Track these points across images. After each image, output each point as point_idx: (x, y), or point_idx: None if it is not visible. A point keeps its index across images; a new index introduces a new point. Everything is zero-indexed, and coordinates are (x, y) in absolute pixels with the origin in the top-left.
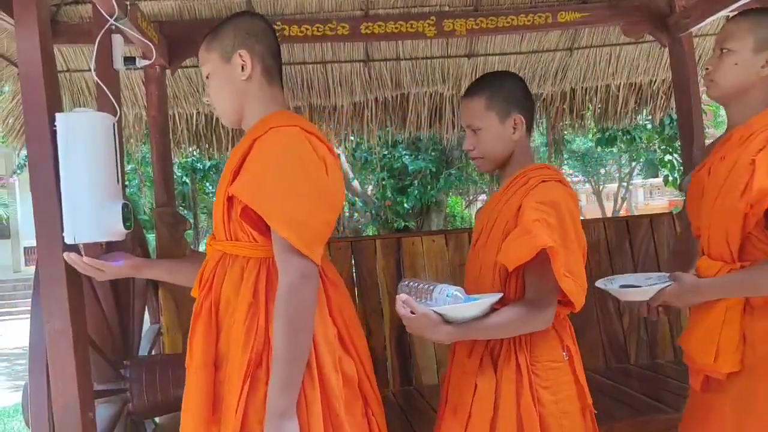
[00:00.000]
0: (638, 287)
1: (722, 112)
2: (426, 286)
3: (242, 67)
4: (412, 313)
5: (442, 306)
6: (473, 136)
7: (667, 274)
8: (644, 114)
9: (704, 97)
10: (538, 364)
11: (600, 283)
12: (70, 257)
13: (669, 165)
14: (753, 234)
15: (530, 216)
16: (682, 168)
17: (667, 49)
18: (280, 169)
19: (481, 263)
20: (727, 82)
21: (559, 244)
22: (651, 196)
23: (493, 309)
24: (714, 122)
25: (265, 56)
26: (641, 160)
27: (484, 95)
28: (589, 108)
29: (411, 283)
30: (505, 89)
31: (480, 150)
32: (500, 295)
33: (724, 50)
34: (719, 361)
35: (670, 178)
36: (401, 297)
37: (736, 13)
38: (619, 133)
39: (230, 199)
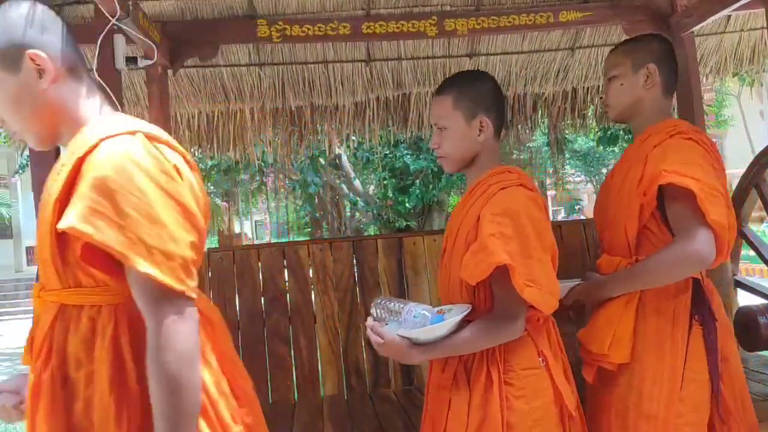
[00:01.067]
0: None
1: (724, 111)
2: (396, 305)
3: (39, 72)
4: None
5: (409, 330)
6: (439, 134)
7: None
8: None
9: (706, 96)
10: (512, 372)
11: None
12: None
13: None
14: (648, 228)
15: (486, 230)
16: None
17: None
18: (124, 190)
19: (450, 273)
20: (619, 103)
21: (517, 254)
22: None
23: (466, 321)
24: (716, 122)
25: (65, 53)
26: None
27: (451, 94)
28: (590, 107)
29: (383, 302)
30: (473, 90)
31: (444, 149)
32: (469, 308)
33: (610, 78)
34: (612, 351)
35: None
36: (368, 323)
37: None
38: (621, 132)
39: (61, 237)
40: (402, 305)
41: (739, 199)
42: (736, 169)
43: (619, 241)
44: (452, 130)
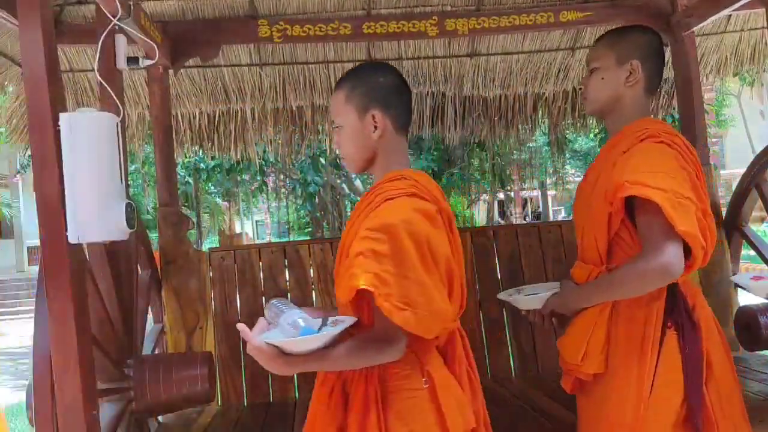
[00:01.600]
0: (537, 295)
1: (724, 111)
2: (280, 310)
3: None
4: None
5: (277, 338)
6: (337, 132)
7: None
8: None
9: (707, 96)
10: (390, 394)
11: (502, 295)
12: None
13: None
14: (619, 236)
15: (355, 248)
16: None
17: (669, 48)
18: None
19: (338, 285)
20: (598, 97)
21: (392, 274)
22: None
23: (350, 334)
24: (716, 122)
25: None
26: None
27: (345, 88)
28: None
29: (276, 304)
30: (368, 82)
31: (342, 148)
32: (352, 320)
33: (592, 69)
34: (586, 362)
35: None
36: (238, 325)
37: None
38: None
39: None
40: (285, 310)
41: (739, 199)
42: (736, 169)
43: (590, 249)
44: (345, 127)
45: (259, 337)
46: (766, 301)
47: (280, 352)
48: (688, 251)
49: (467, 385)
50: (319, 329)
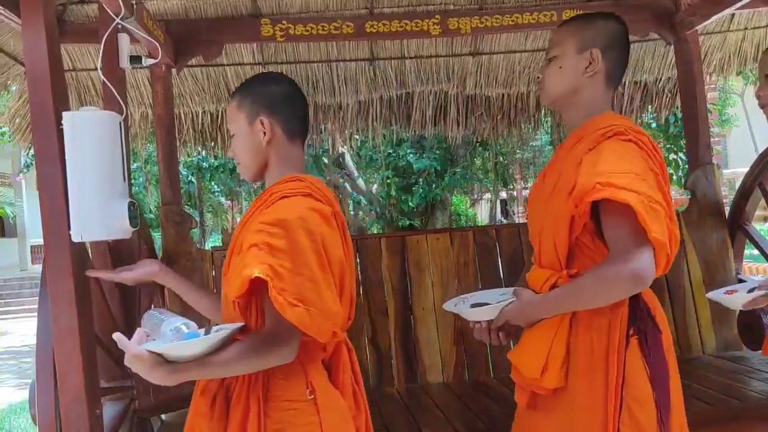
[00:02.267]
0: (488, 305)
1: (728, 110)
2: (160, 319)
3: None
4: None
5: (158, 345)
6: (232, 140)
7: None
8: (649, 112)
9: (710, 95)
10: (272, 403)
11: (448, 305)
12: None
13: (674, 163)
14: (581, 240)
15: (250, 240)
16: (687, 166)
17: (672, 47)
18: None
19: (227, 281)
20: (556, 87)
21: (288, 270)
22: None
23: (237, 340)
24: (719, 121)
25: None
26: None
27: (237, 96)
28: None
29: (153, 312)
30: (258, 90)
31: (235, 157)
32: (238, 325)
33: (550, 58)
34: (545, 376)
35: (675, 177)
36: (114, 335)
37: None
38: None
39: None
40: (164, 318)
41: (742, 198)
42: (739, 168)
43: (549, 254)
44: (237, 135)
45: (139, 346)
46: None
47: (161, 360)
48: None
49: (351, 399)
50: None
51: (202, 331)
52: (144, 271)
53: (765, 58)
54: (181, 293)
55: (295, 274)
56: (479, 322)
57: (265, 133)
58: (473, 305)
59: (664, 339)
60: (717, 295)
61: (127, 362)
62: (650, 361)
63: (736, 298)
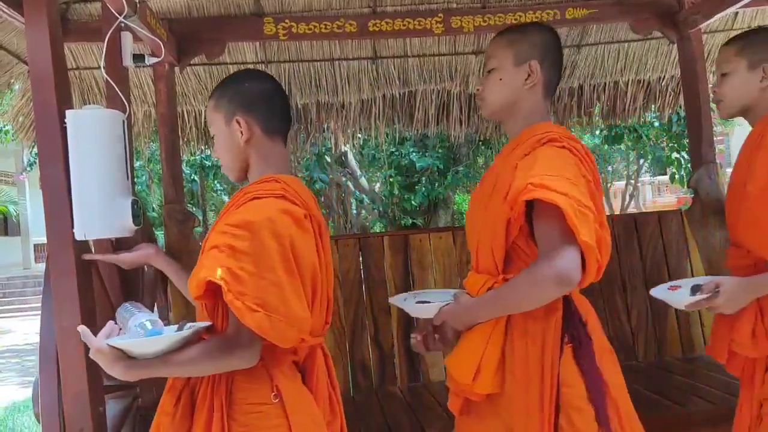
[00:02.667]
0: (431, 304)
1: None
2: (131, 312)
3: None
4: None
5: (121, 340)
6: (213, 142)
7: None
8: (652, 111)
9: (713, 94)
10: (236, 406)
11: (395, 299)
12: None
13: (676, 162)
14: (517, 243)
15: (212, 241)
16: (689, 165)
17: (675, 46)
18: None
19: (190, 282)
20: (495, 99)
21: (251, 273)
22: (659, 193)
23: (202, 339)
24: (722, 120)
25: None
26: (648, 157)
27: (214, 97)
28: (596, 105)
29: (127, 305)
30: (233, 89)
31: (218, 158)
32: (204, 325)
33: (489, 70)
34: (478, 381)
35: (677, 176)
36: (78, 328)
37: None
38: (626, 131)
39: None
40: (133, 312)
41: None
42: None
43: (486, 258)
44: (217, 135)
45: (105, 340)
46: None
47: (123, 354)
48: (583, 263)
49: (326, 405)
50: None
51: (168, 328)
52: (140, 253)
53: (721, 57)
54: (170, 275)
55: (258, 278)
56: (416, 336)
57: (242, 132)
58: (419, 302)
59: (596, 345)
60: (660, 292)
61: (90, 355)
62: (584, 368)
63: (679, 298)
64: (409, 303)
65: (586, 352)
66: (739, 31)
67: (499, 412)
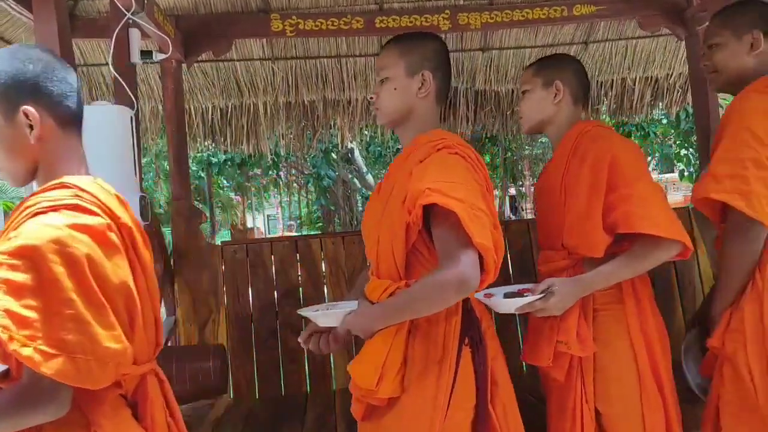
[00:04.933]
0: (336, 311)
1: None
2: None
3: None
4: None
5: None
6: None
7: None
8: (660, 108)
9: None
10: None
11: (304, 311)
12: None
13: (685, 159)
14: (417, 248)
15: None
16: (698, 162)
17: (683, 43)
18: None
19: None
20: (390, 108)
21: (35, 310)
22: (667, 191)
23: None
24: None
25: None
26: (656, 154)
27: None
28: (604, 102)
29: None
30: (11, 74)
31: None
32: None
33: (383, 79)
34: (381, 386)
35: (686, 173)
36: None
37: None
38: (633, 128)
39: None
40: None
41: None
42: None
43: (387, 264)
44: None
45: None
46: None
47: None
48: (481, 265)
49: None
50: None
51: None
52: None
53: (522, 78)
54: None
55: (51, 315)
56: (302, 338)
57: (32, 126)
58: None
59: (489, 347)
60: (479, 297)
61: None
62: (478, 370)
63: (501, 303)
64: (314, 313)
65: (482, 355)
66: None
67: (393, 413)
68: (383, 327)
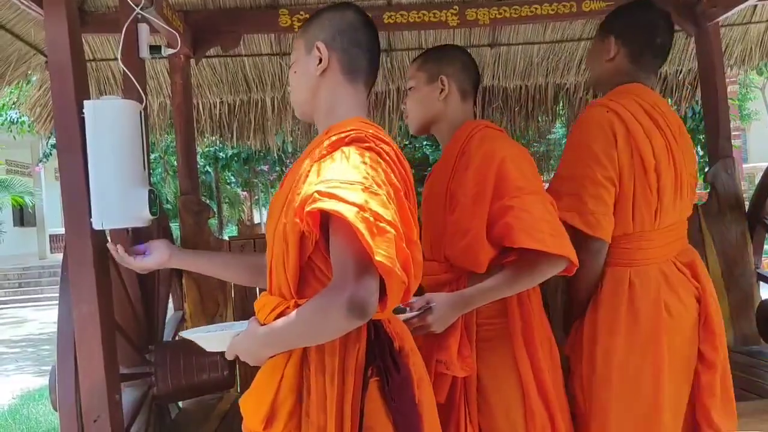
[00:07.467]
0: (222, 332)
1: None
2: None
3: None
4: None
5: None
6: None
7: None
8: (669, 105)
9: (730, 89)
10: None
11: (188, 333)
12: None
13: None
14: (314, 262)
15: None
16: (706, 159)
17: (693, 39)
18: None
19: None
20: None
21: None
22: None
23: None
24: (739, 115)
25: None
26: None
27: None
28: None
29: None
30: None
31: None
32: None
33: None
34: (270, 427)
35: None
36: None
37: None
38: None
39: None
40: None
41: (762, 192)
42: (759, 163)
43: (279, 277)
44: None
45: None
46: None
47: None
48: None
49: None
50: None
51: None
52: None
53: (409, 73)
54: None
55: None
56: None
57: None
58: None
59: (414, 374)
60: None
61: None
62: (392, 406)
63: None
64: (195, 335)
65: (397, 385)
66: (759, 25)
67: None
68: (272, 354)
